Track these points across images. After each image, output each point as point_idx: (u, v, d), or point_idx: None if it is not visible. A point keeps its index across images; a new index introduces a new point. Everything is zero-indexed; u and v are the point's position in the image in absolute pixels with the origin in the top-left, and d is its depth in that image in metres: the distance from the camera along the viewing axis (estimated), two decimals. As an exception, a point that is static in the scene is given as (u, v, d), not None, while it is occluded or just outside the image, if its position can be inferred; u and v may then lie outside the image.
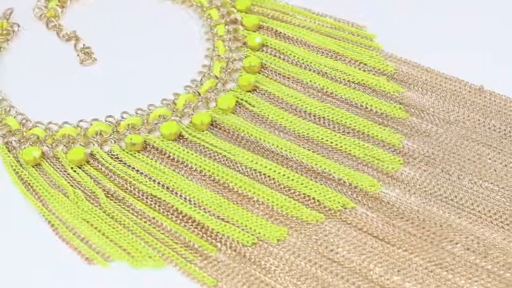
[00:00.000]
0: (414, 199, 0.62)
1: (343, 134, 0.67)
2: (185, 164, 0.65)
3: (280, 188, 0.63)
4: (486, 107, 0.68)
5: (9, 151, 0.66)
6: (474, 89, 0.70)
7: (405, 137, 0.66)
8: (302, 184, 0.63)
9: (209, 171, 0.64)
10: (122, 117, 0.69)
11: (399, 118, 0.68)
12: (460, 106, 0.69)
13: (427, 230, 0.59)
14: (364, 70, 0.72)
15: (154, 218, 0.61)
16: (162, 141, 0.67)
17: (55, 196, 0.63)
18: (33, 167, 0.65)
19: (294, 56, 0.74)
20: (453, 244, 0.59)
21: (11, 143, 0.67)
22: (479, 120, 0.67)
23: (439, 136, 0.66)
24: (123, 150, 0.66)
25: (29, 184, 0.64)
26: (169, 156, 0.66)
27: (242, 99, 0.70)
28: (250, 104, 0.70)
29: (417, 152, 0.65)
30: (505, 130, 0.66)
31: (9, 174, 0.65)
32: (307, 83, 0.71)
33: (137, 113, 0.69)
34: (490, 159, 0.64)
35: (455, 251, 0.58)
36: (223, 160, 0.65)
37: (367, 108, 0.69)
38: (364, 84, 0.71)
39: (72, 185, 0.63)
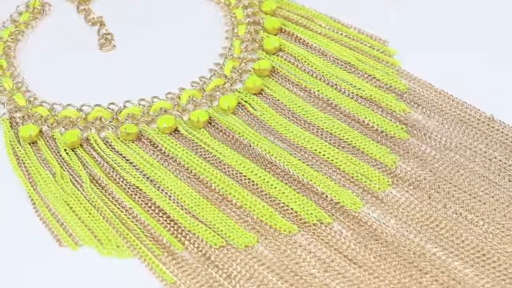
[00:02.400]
0: (393, 223, 0.60)
1: (337, 148, 0.66)
2: (174, 159, 0.66)
3: (262, 195, 0.63)
4: (492, 137, 0.66)
5: (11, 126, 0.68)
6: (484, 117, 0.67)
7: (400, 158, 0.65)
8: (283, 193, 0.62)
9: (195, 168, 0.64)
10: (125, 106, 0.70)
11: (399, 138, 0.66)
12: (465, 133, 0.66)
13: (398, 256, 0.58)
14: (375, 86, 0.71)
15: (131, 208, 0.62)
16: (158, 134, 0.67)
17: (43, 175, 0.64)
18: (29, 144, 0.67)
19: (308, 64, 0.73)
20: (422, 273, 0.57)
21: (15, 119, 0.69)
22: (480, 149, 0.65)
23: (435, 161, 0.64)
24: (118, 138, 0.67)
25: (22, 160, 0.66)
26: (160, 149, 0.66)
27: (245, 101, 0.70)
28: (252, 107, 0.69)
29: (408, 175, 0.63)
30: (505, 163, 0.64)
31: (6, 149, 0.67)
32: (314, 93, 0.71)
33: (139, 104, 0.70)
34: (482, 191, 0.62)
35: (422, 281, 0.56)
36: (212, 160, 0.65)
37: (368, 124, 0.68)
38: (371, 99, 0.69)
39: (61, 166, 0.65)
